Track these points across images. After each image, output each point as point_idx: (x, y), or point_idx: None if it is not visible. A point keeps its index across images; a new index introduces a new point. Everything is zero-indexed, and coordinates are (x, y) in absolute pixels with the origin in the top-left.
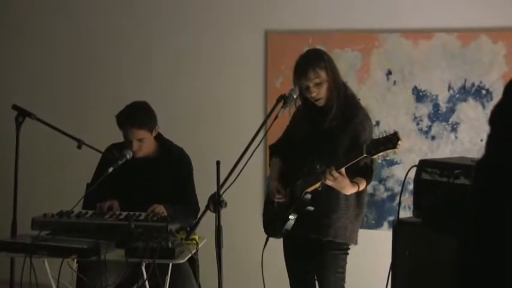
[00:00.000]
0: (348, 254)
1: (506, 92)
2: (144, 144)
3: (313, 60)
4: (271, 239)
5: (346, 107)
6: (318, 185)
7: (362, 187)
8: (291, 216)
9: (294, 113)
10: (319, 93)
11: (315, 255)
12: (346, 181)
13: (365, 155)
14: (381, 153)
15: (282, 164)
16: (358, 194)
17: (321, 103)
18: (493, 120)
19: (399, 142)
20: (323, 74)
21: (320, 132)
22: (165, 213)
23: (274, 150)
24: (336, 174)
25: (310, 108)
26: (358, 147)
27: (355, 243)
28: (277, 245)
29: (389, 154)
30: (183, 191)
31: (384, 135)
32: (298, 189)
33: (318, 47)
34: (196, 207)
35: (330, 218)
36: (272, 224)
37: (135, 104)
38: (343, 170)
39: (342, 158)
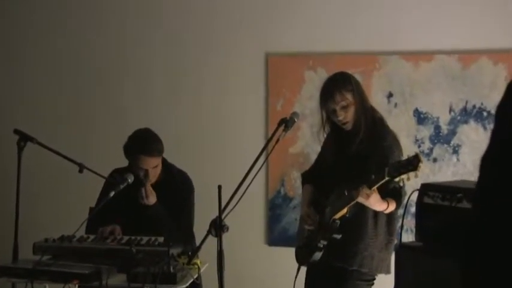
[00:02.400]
0: (372, 284)
1: (508, 90)
2: (157, 170)
3: (339, 83)
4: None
5: (374, 131)
6: (345, 210)
7: (392, 207)
8: (320, 244)
9: (324, 140)
10: (346, 116)
11: (337, 284)
12: (378, 197)
13: (387, 178)
14: (402, 176)
15: (314, 190)
16: (389, 221)
17: (348, 127)
18: (497, 115)
19: (420, 164)
20: (350, 97)
21: (348, 157)
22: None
23: (306, 177)
24: (368, 191)
25: (338, 133)
26: (381, 170)
27: (386, 272)
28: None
29: (411, 177)
30: (180, 209)
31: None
32: (327, 216)
33: (318, 69)
34: (188, 232)
35: (356, 246)
36: (302, 252)
37: (143, 133)
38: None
39: (369, 178)
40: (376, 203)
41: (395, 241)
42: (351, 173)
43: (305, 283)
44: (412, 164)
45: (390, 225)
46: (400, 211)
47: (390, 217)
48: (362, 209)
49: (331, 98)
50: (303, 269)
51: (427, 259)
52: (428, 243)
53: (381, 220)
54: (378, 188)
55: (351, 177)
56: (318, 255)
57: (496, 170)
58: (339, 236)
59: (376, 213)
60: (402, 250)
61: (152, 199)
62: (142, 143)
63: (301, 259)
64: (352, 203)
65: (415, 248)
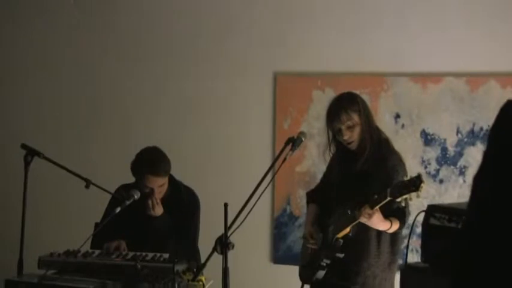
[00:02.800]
0: None
1: (500, 112)
2: (164, 189)
3: (346, 103)
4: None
5: (379, 151)
6: (348, 229)
7: (395, 226)
8: (323, 263)
9: (330, 160)
10: (352, 136)
11: None
12: (380, 216)
13: (389, 198)
14: (404, 196)
15: (317, 209)
16: (393, 240)
17: (353, 146)
18: (489, 136)
19: (422, 185)
20: (356, 117)
21: (352, 176)
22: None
23: (311, 196)
24: (370, 211)
25: (343, 153)
26: (384, 190)
27: None
28: None
29: (413, 197)
30: (185, 229)
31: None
32: (330, 234)
33: (327, 89)
34: (193, 245)
35: (359, 266)
36: (306, 270)
37: (150, 152)
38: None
39: (371, 198)
40: (378, 223)
41: (399, 261)
42: (354, 192)
43: None
44: (415, 184)
45: (394, 245)
46: (406, 231)
47: (394, 237)
48: (365, 228)
49: (337, 117)
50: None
51: (432, 280)
52: (434, 264)
53: (384, 240)
54: (381, 208)
55: (354, 197)
56: (321, 273)
57: (487, 186)
58: (341, 255)
59: (379, 233)
60: (408, 270)
61: (159, 210)
62: (150, 163)
63: (304, 278)
64: (355, 222)
65: (420, 268)
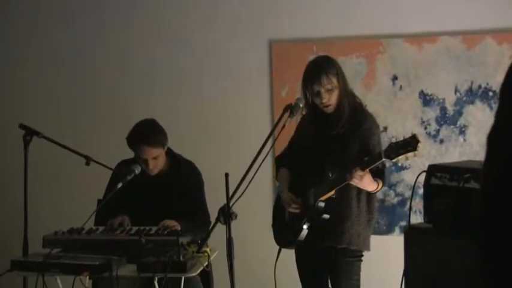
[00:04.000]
0: (361, 260)
1: (509, 69)
2: (159, 162)
3: (325, 66)
4: (283, 250)
5: (354, 115)
6: (332, 192)
7: (380, 186)
8: (304, 226)
9: (299, 123)
10: (330, 99)
11: (328, 263)
12: (370, 178)
13: (384, 159)
14: (400, 156)
15: (290, 173)
16: (369, 200)
17: (330, 109)
18: (501, 94)
19: (419, 144)
20: (335, 81)
21: (328, 139)
22: (177, 227)
23: (281, 161)
24: (361, 173)
25: (317, 116)
26: (376, 152)
27: (368, 249)
28: (289, 255)
29: (410, 157)
30: (194, 204)
31: (393, 140)
32: (310, 198)
33: (322, 54)
34: (207, 220)
35: (343, 225)
36: (285, 235)
37: (145, 123)
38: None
39: (361, 160)
40: (369, 184)
41: (375, 219)
42: (333, 154)
43: (298, 267)
44: (411, 144)
45: (370, 204)
46: (408, 193)
47: (369, 196)
48: (346, 189)
49: (317, 80)
50: (285, 252)
51: (436, 240)
52: (437, 224)
53: (362, 199)
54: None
55: (332, 159)
56: (302, 235)
57: (502, 147)
58: (327, 216)
59: (358, 193)
60: (411, 232)
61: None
62: (142, 132)
63: (285, 242)
64: (343, 184)
65: (423, 229)
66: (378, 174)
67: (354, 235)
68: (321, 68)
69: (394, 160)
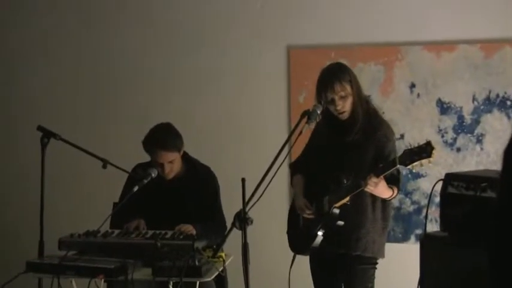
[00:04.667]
0: (376, 268)
1: None
2: (175, 166)
3: (338, 73)
4: (298, 256)
5: (369, 121)
6: (347, 199)
7: (395, 193)
8: (319, 232)
9: (314, 129)
10: (344, 106)
11: (343, 270)
12: (385, 185)
13: (398, 165)
14: (415, 163)
15: (305, 180)
16: (384, 207)
17: (344, 116)
18: None
19: (433, 151)
20: (348, 88)
21: (343, 146)
22: (193, 232)
23: (295, 168)
24: (376, 179)
25: (331, 123)
26: (391, 159)
27: (383, 256)
28: (304, 261)
29: (425, 164)
30: (210, 209)
31: (409, 147)
32: (325, 204)
33: (341, 61)
34: (223, 225)
35: (358, 232)
36: (299, 241)
37: (161, 127)
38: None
39: (376, 167)
40: (383, 191)
41: (389, 227)
42: (348, 161)
43: (312, 274)
44: (426, 151)
45: (385, 211)
46: (424, 201)
47: (385, 203)
48: (361, 196)
49: (331, 87)
50: (301, 258)
51: (452, 249)
52: (453, 233)
53: (377, 206)
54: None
55: (347, 166)
56: (317, 241)
57: None
58: (342, 223)
59: (373, 200)
60: (427, 240)
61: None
62: (158, 137)
63: (299, 248)
64: (357, 191)
65: (440, 237)
66: (393, 181)
67: (368, 242)
68: (334, 75)
69: (408, 167)
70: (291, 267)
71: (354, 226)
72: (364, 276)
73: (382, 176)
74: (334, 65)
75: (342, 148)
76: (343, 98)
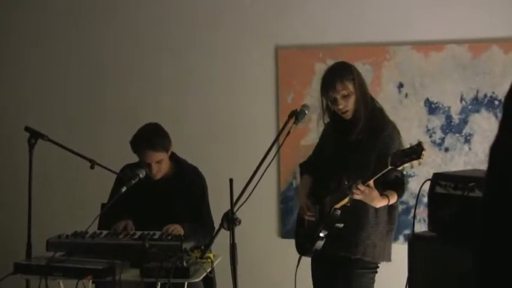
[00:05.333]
0: (376, 272)
1: None
2: (162, 166)
3: (340, 73)
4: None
5: (373, 120)
6: (346, 200)
7: (392, 200)
8: (321, 234)
9: (323, 130)
10: (347, 105)
11: (342, 273)
12: (375, 193)
13: (390, 167)
14: (406, 165)
15: (312, 181)
16: (390, 210)
17: (348, 115)
18: (505, 106)
19: (423, 152)
20: (350, 87)
21: (346, 146)
22: (181, 232)
23: (304, 168)
24: (362, 187)
25: (337, 122)
26: (383, 160)
27: (387, 260)
28: (305, 263)
29: (415, 165)
30: (198, 209)
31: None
32: (327, 205)
33: (328, 61)
34: (211, 226)
35: (358, 236)
36: (303, 243)
37: (149, 127)
38: (371, 182)
39: (367, 171)
40: (374, 199)
41: (395, 229)
42: (350, 161)
43: (312, 275)
44: (416, 152)
45: (390, 214)
46: (412, 201)
47: (390, 206)
48: None
49: (332, 87)
50: (304, 259)
51: (440, 248)
52: (441, 233)
53: (381, 209)
54: (377, 179)
55: (349, 166)
56: (319, 244)
57: (504, 160)
58: (341, 225)
59: None
60: (415, 240)
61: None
62: (146, 137)
63: (303, 250)
64: (347, 197)
65: (428, 238)
66: (396, 184)
67: (369, 246)
68: (336, 74)
69: (399, 168)
70: (296, 268)
71: (354, 229)
72: (360, 281)
73: (371, 183)
74: (337, 64)
75: (346, 148)
76: (345, 97)
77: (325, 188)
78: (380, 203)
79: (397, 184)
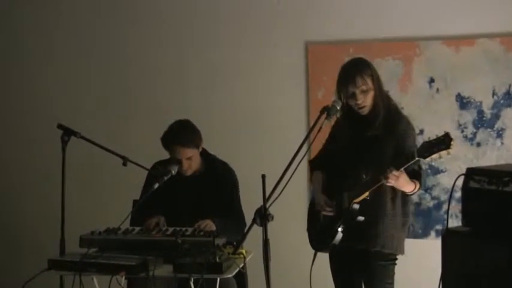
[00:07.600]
0: (395, 264)
1: None
2: (193, 162)
3: (360, 67)
4: (319, 253)
5: (389, 116)
6: (366, 194)
7: (417, 187)
8: (339, 229)
9: (333, 125)
10: (365, 100)
11: (362, 266)
12: (406, 178)
13: (417, 158)
14: (434, 155)
15: (324, 176)
16: (404, 203)
17: (364, 111)
18: None
19: (452, 142)
20: (369, 82)
21: (363, 141)
22: (213, 228)
23: (315, 164)
24: (397, 173)
25: (352, 118)
26: (408, 152)
27: (402, 252)
28: (325, 259)
29: (443, 156)
30: (229, 205)
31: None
32: (345, 200)
33: (359, 56)
34: (242, 222)
35: (377, 228)
36: (320, 238)
37: (179, 124)
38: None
39: (395, 160)
40: (405, 184)
41: (409, 222)
42: (367, 156)
43: (332, 270)
44: (444, 142)
45: (405, 206)
46: (444, 197)
47: (405, 198)
48: (380, 191)
49: (352, 81)
50: (320, 256)
51: (474, 243)
52: (475, 228)
53: (397, 202)
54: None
55: (366, 161)
56: (337, 239)
57: None
58: (362, 218)
59: (393, 195)
60: (449, 235)
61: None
62: (176, 133)
63: (320, 246)
64: (377, 185)
65: (462, 232)
66: (415, 176)
67: (388, 238)
68: (356, 69)
69: (427, 159)
70: (312, 264)
71: (373, 222)
72: (383, 273)
73: (403, 170)
74: (356, 59)
75: (362, 143)
76: (364, 92)
77: (341, 182)
78: (410, 187)
79: (416, 176)
